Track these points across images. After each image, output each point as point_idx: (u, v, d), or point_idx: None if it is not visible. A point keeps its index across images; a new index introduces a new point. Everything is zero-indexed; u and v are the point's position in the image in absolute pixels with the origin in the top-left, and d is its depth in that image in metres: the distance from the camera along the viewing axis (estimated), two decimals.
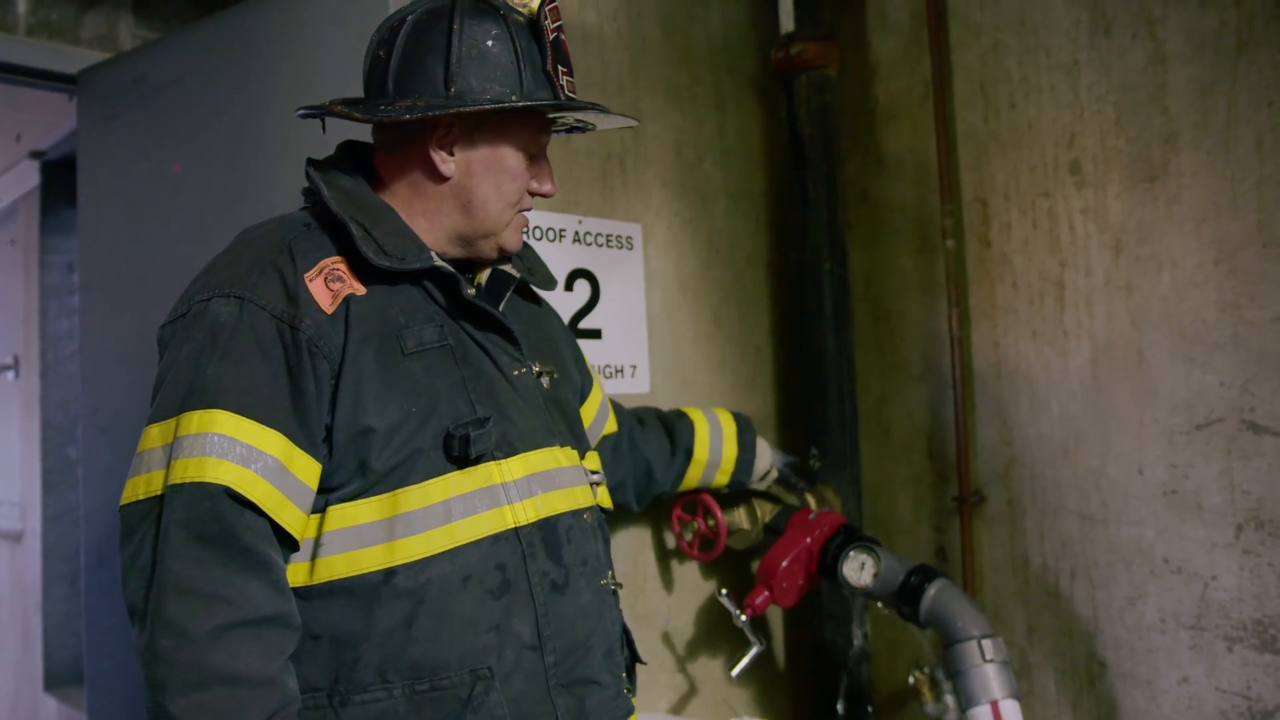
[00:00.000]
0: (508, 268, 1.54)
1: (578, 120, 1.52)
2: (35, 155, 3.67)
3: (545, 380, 1.51)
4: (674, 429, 2.03)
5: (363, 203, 1.40)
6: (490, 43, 1.38)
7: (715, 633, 2.33)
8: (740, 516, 2.17)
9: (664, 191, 2.36)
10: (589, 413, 1.78)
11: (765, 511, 2.17)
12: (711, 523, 2.12)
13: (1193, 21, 2.05)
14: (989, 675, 1.84)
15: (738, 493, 2.20)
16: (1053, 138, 2.24)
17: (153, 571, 1.20)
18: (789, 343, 2.53)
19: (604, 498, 1.58)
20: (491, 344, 1.44)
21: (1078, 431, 2.20)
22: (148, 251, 2.21)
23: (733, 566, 2.39)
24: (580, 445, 1.55)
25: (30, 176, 3.75)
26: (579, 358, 1.79)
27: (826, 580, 2.04)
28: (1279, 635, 1.94)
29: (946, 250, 2.35)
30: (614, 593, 1.50)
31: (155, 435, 1.26)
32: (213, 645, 1.16)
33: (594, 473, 1.54)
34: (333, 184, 1.40)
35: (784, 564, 1.99)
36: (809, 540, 2.02)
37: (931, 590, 1.92)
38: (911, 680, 2.05)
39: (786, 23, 2.41)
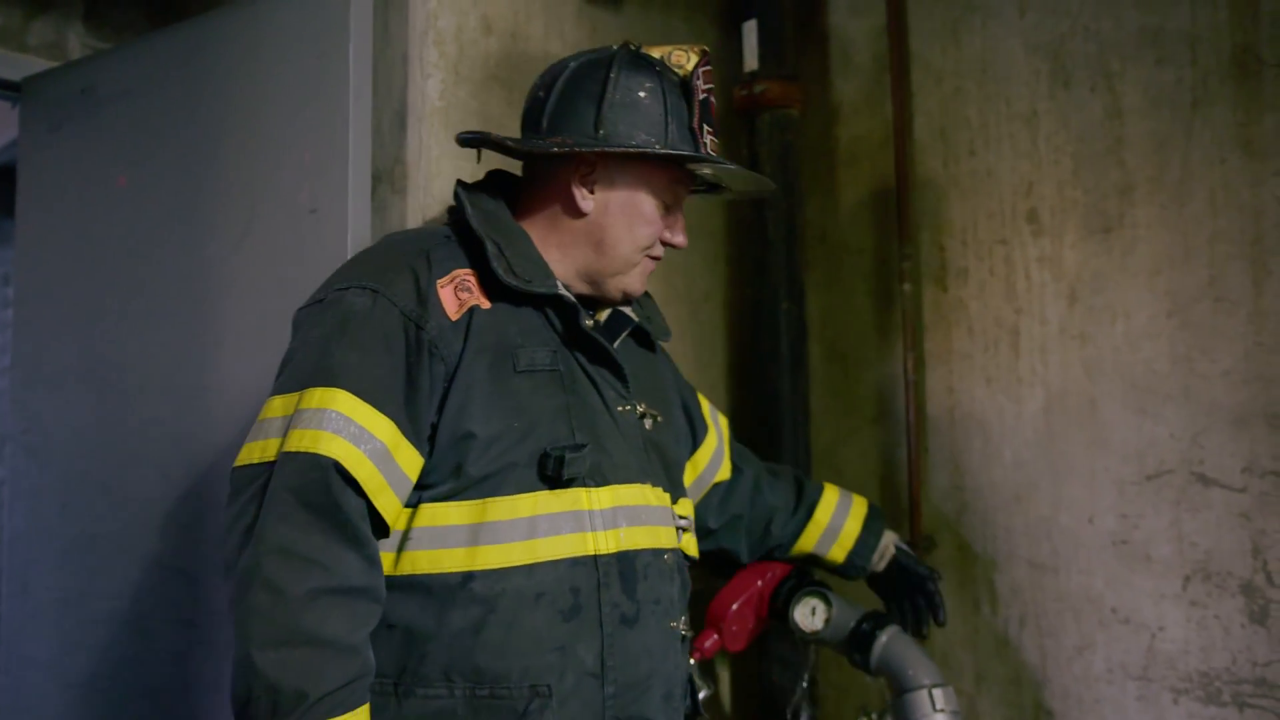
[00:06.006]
0: (628, 311, 1.64)
1: (713, 177, 1.60)
2: None
3: (648, 422, 1.58)
4: (804, 487, 1.98)
5: (500, 225, 1.50)
6: (642, 94, 1.50)
7: None
8: None
9: None
10: (702, 458, 1.85)
11: None
12: None
13: (1150, 77, 2.08)
14: None
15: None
16: (1011, 186, 2.26)
17: (253, 531, 1.27)
18: (744, 382, 2.51)
19: (690, 545, 1.62)
20: (601, 378, 1.52)
21: (1030, 479, 2.20)
22: (88, 267, 2.15)
23: None
24: (674, 490, 1.61)
25: None
26: (695, 405, 1.87)
27: (777, 624, 2.01)
28: (1224, 688, 1.95)
29: (904, 294, 2.35)
30: (684, 639, 1.53)
31: (278, 406, 1.35)
32: (306, 606, 1.24)
33: (682, 518, 1.58)
34: (476, 205, 1.51)
35: (734, 607, 1.96)
36: (760, 584, 1.99)
37: (883, 638, 1.90)
38: None
39: (750, 61, 2.41)
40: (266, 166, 1.95)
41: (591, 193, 1.52)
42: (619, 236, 1.52)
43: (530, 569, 1.37)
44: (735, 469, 1.92)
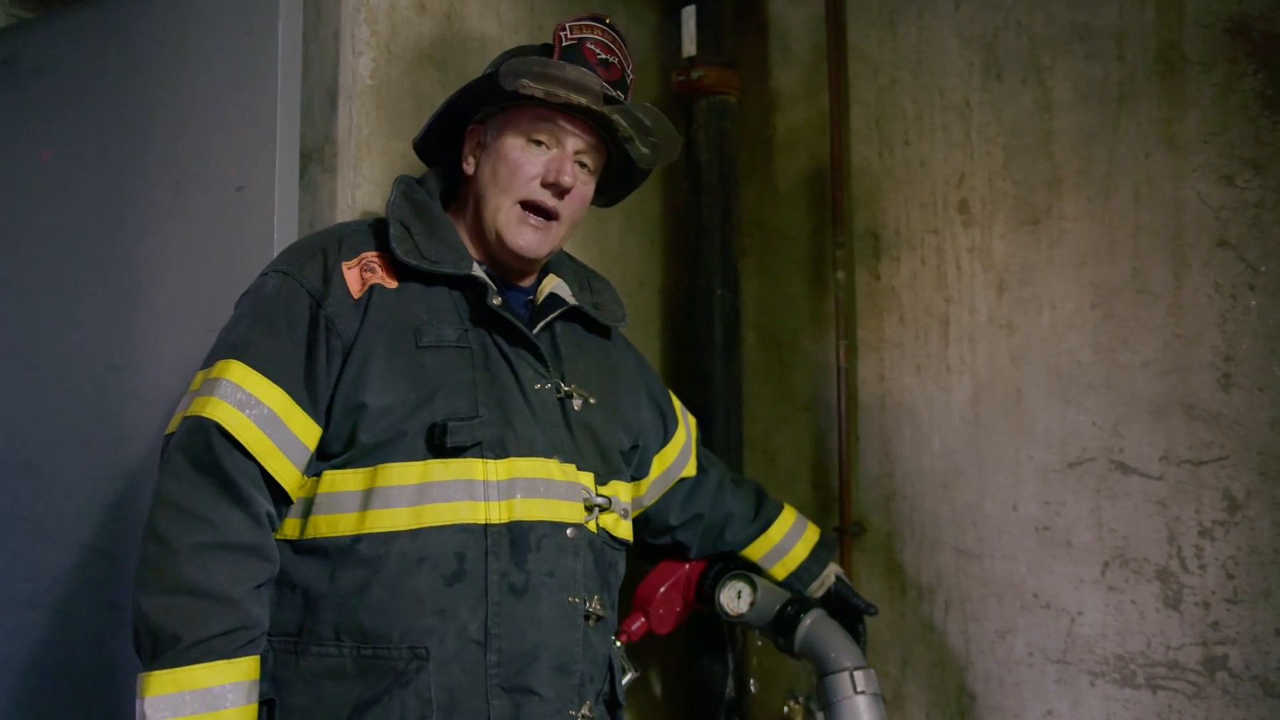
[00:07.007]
0: (565, 294, 1.66)
1: (629, 135, 1.60)
2: None
3: (576, 403, 1.60)
4: (764, 502, 2.02)
5: (424, 212, 1.57)
6: (515, 61, 1.55)
7: None
8: None
9: None
10: (670, 453, 1.89)
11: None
12: None
13: (1079, 71, 2.12)
14: (860, 707, 1.84)
15: None
16: (943, 176, 2.29)
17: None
18: (678, 368, 2.51)
19: (615, 525, 1.63)
20: (517, 357, 1.55)
21: (957, 466, 2.23)
22: (9, 243, 2.10)
23: None
24: (608, 472, 1.64)
25: None
26: (666, 400, 1.92)
27: (704, 608, 2.02)
28: (1138, 671, 2.00)
29: (837, 282, 2.37)
30: (596, 618, 1.54)
31: (198, 380, 1.44)
32: (190, 559, 1.31)
33: (603, 497, 1.59)
34: (407, 194, 1.59)
35: (661, 590, 1.97)
36: (688, 567, 2.00)
37: (807, 621, 1.92)
38: (785, 710, 2.05)
39: (689, 47, 2.41)
40: (194, 143, 1.91)
41: (475, 159, 1.61)
42: (485, 183, 1.58)
43: (415, 534, 1.41)
44: (701, 468, 1.97)
